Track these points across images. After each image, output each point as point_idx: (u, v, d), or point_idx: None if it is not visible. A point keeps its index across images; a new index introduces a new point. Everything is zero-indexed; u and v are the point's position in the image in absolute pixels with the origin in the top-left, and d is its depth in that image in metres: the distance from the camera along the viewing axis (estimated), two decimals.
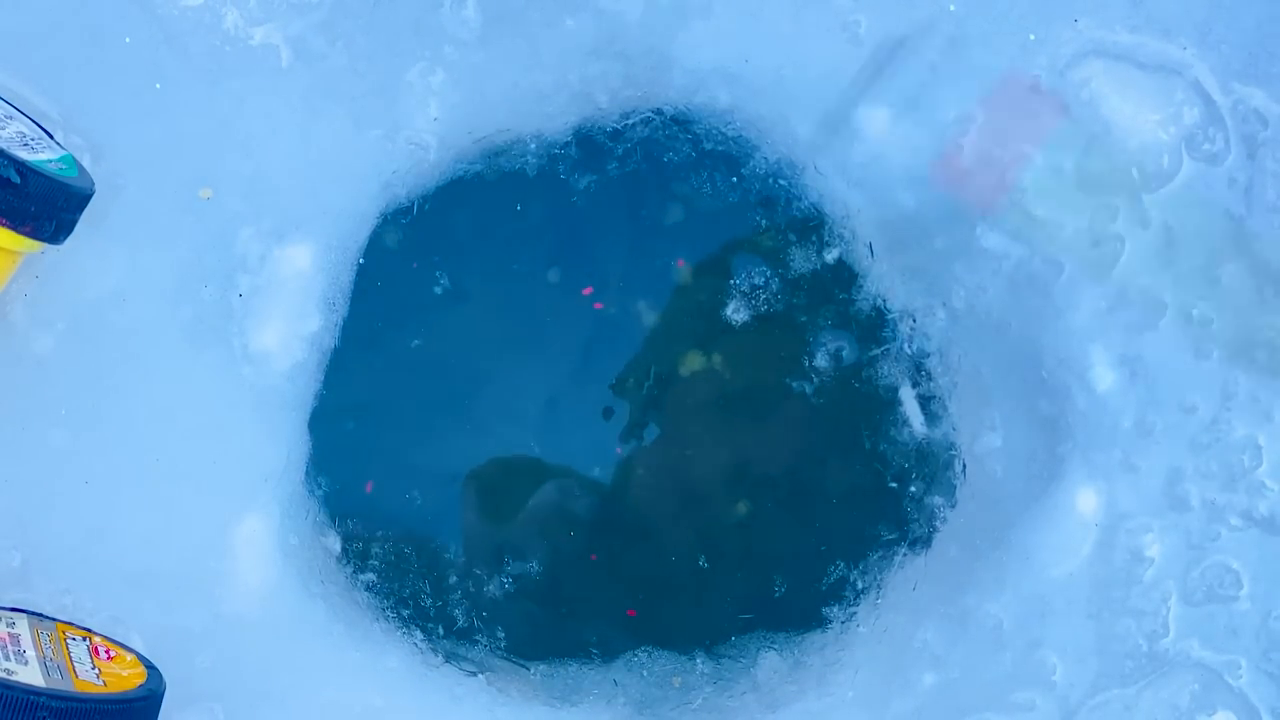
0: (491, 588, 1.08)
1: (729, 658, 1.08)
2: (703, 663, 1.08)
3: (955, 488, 1.05)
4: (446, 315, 1.07)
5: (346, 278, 0.98)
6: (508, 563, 1.09)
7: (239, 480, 0.93)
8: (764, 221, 1.06)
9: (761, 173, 1.03)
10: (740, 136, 1.01)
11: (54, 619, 0.86)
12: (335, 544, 1.03)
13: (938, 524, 1.06)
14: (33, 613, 0.85)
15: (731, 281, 1.08)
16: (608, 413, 1.09)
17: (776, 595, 1.09)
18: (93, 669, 0.80)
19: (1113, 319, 0.95)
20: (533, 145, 1.01)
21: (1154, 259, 0.94)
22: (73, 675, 0.77)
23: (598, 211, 1.07)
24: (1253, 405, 0.94)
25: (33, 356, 0.89)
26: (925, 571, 1.04)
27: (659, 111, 1.01)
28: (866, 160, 0.97)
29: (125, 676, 0.81)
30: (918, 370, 1.07)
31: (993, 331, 1.01)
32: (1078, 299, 0.95)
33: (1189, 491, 0.95)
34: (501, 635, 1.07)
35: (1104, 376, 0.95)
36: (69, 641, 0.83)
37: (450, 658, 1.04)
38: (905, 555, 1.07)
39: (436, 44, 0.93)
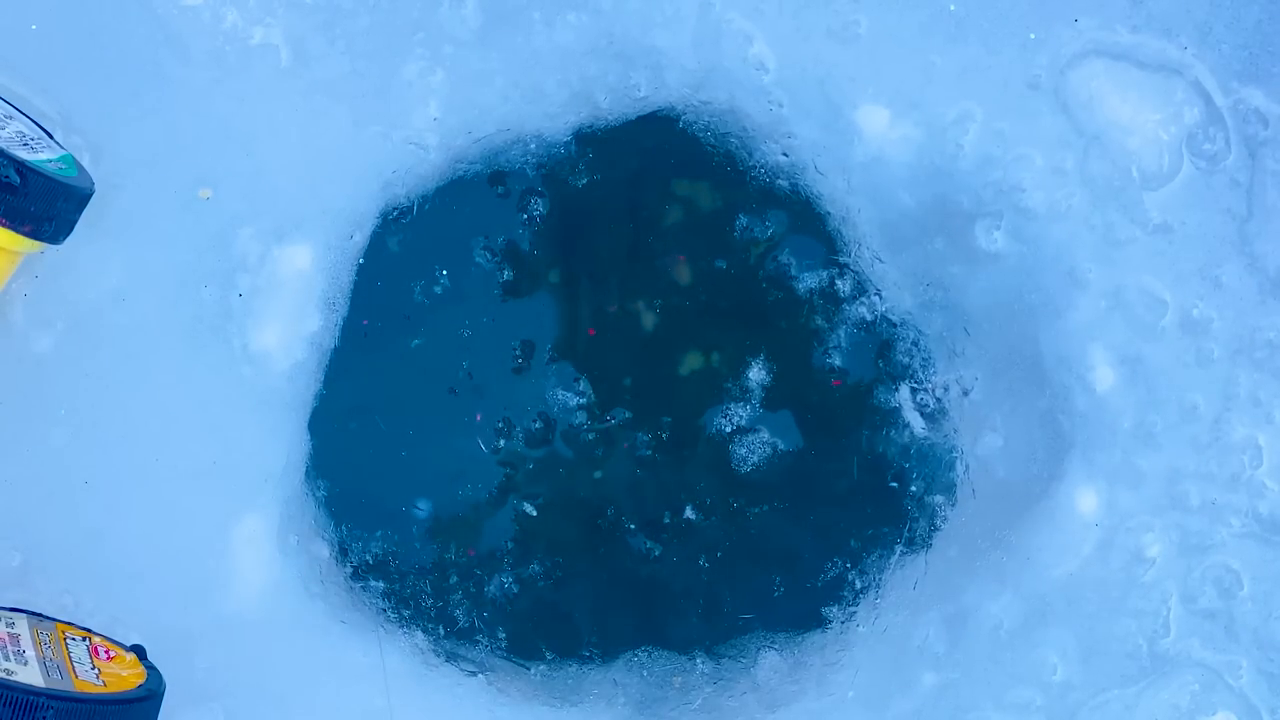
0: (491, 588, 1.08)
1: (729, 658, 1.08)
2: (703, 663, 1.08)
3: (955, 488, 1.05)
4: (446, 315, 1.07)
5: (346, 278, 0.98)
6: (508, 563, 1.09)
7: (239, 480, 0.93)
8: (764, 222, 1.06)
9: (761, 173, 1.03)
10: (740, 136, 1.01)
11: (54, 619, 0.86)
12: (335, 544, 1.03)
13: (938, 524, 1.06)
14: (33, 613, 0.85)
15: (731, 281, 1.08)
16: (608, 412, 1.09)
17: (776, 595, 1.09)
18: (92, 669, 0.80)
19: (1113, 319, 0.95)
20: (533, 145, 1.01)
21: (1154, 258, 0.94)
22: (72, 675, 0.77)
23: (597, 211, 1.07)
24: (1253, 406, 0.94)
25: (33, 356, 0.89)
26: (925, 571, 1.04)
27: (659, 111, 1.01)
28: (866, 160, 0.97)
29: (125, 676, 0.81)
30: (918, 371, 1.06)
31: (993, 331, 1.01)
32: (1078, 299, 0.95)
33: (1189, 492, 0.95)
34: (502, 635, 1.07)
35: (1104, 377, 0.95)
36: (69, 642, 0.83)
37: (450, 658, 1.04)
38: (905, 555, 1.07)
39: (436, 44, 0.93)
